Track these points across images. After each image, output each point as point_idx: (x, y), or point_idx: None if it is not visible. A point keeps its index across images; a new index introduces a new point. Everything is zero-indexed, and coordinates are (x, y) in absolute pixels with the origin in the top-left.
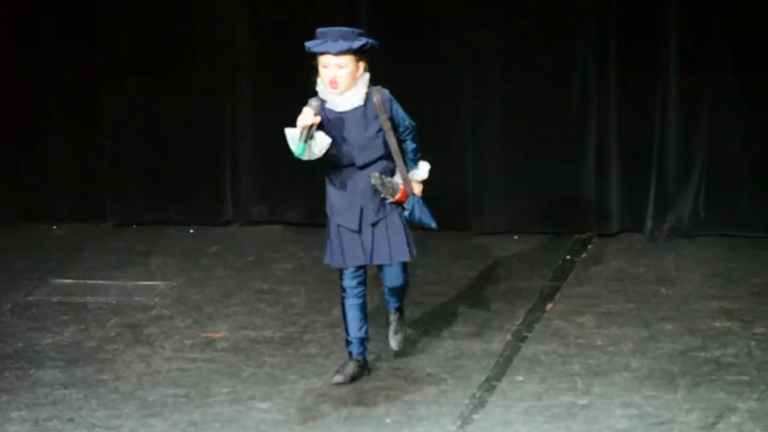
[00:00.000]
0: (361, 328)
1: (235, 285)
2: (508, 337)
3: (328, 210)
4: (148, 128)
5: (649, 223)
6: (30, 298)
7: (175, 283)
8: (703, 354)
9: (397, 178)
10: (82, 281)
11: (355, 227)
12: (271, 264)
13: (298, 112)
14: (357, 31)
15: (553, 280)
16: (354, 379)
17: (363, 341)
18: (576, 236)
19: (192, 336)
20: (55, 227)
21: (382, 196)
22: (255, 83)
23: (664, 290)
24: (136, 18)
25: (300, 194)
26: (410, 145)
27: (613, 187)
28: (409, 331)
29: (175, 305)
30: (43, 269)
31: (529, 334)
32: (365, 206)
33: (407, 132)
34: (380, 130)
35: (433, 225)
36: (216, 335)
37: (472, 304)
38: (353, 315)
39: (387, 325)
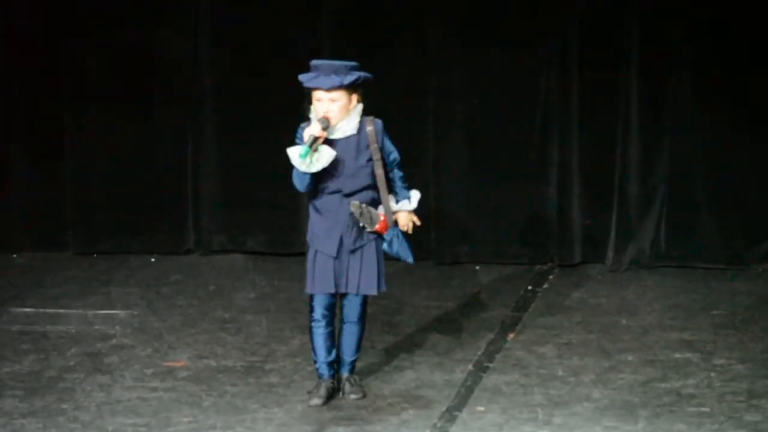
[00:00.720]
0: (330, 353)
1: (197, 314)
2: (470, 367)
3: (308, 238)
4: (110, 158)
5: (610, 254)
6: None
7: (135, 312)
8: (663, 385)
9: (380, 209)
10: (42, 310)
11: (333, 253)
12: (232, 293)
13: (260, 141)
14: (350, 64)
15: (514, 311)
16: (329, 398)
17: (332, 363)
18: (537, 267)
19: (153, 365)
20: (15, 255)
21: (361, 225)
22: (217, 113)
23: (624, 321)
24: (98, 50)
25: (261, 223)
26: (398, 173)
27: (575, 218)
28: (360, 379)
29: (135, 334)
30: (3, 297)
31: (491, 365)
32: (345, 234)
33: (394, 163)
34: (370, 159)
35: (410, 260)
36: (177, 364)
37: (434, 334)
38: (321, 342)
39: (340, 384)
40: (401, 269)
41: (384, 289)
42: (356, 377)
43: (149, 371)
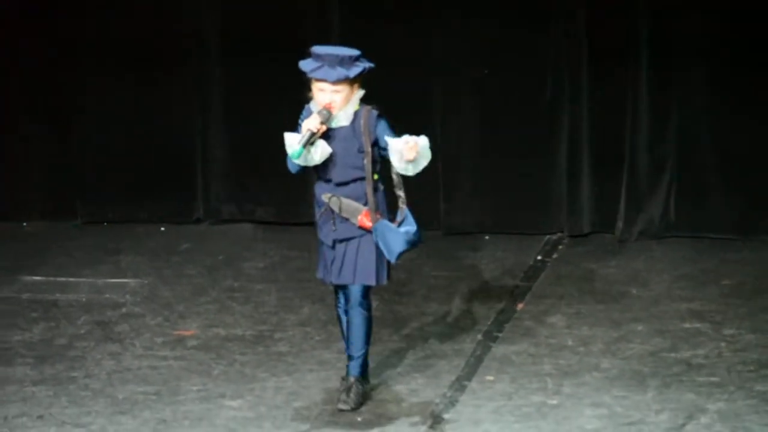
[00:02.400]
0: None
1: (206, 283)
2: (479, 337)
3: (316, 225)
4: (120, 126)
5: (619, 225)
6: (0, 295)
7: (145, 281)
8: (672, 355)
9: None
10: (52, 278)
11: (329, 242)
12: (241, 262)
13: (269, 110)
14: (354, 54)
15: (524, 281)
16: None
17: None
18: (547, 237)
19: (162, 334)
20: (25, 224)
21: (343, 216)
22: (226, 81)
23: (634, 291)
24: (107, 17)
25: (271, 192)
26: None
27: (585, 188)
28: (365, 388)
29: (145, 303)
30: (14, 266)
31: (500, 334)
32: (340, 221)
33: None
34: (361, 150)
35: (390, 258)
36: (186, 333)
37: (443, 304)
38: (345, 329)
39: (343, 387)
40: None
41: (384, 282)
42: (360, 384)
43: (159, 340)
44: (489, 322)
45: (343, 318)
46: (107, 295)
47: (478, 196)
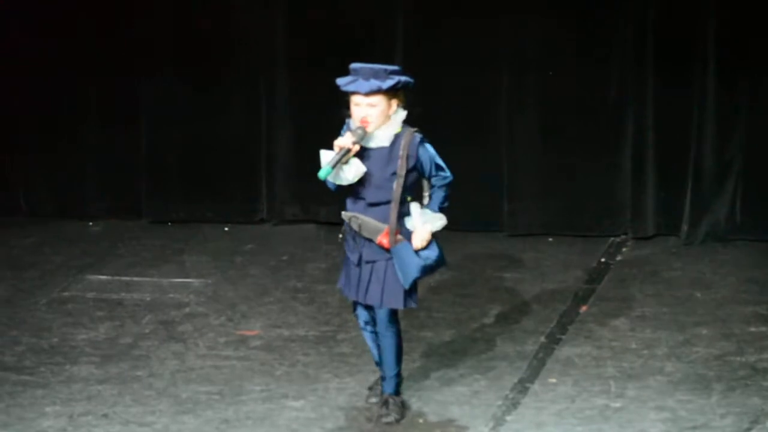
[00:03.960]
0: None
1: (270, 283)
2: (542, 339)
3: (342, 239)
4: (185, 126)
5: (684, 227)
6: (66, 293)
7: (209, 281)
8: (738, 359)
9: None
10: (117, 278)
11: (356, 261)
12: (305, 263)
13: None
14: (390, 68)
15: (587, 283)
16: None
17: None
18: (611, 239)
19: (226, 334)
20: (91, 224)
21: (363, 235)
22: (291, 82)
23: (699, 294)
24: (174, 16)
25: (334, 193)
26: (437, 192)
27: (649, 189)
28: (400, 401)
29: (209, 303)
30: (79, 265)
31: (563, 337)
32: (363, 243)
33: (437, 179)
34: (394, 173)
35: (405, 285)
36: (250, 333)
37: (505, 306)
38: (370, 343)
39: (380, 401)
40: (473, 240)
41: (412, 305)
42: (396, 399)
43: (222, 340)
44: (552, 325)
45: (369, 333)
46: (171, 295)
47: (542, 198)
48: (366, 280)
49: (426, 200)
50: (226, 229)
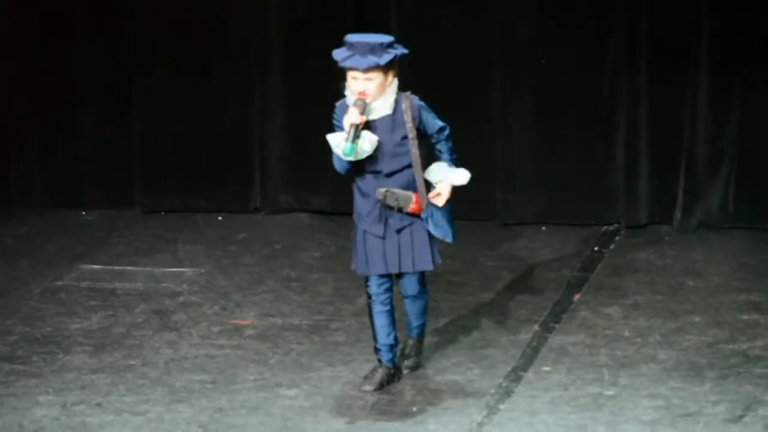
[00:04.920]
0: (389, 335)
1: (263, 272)
2: (535, 327)
3: (355, 217)
4: (179, 115)
5: (677, 215)
6: (59, 283)
7: (203, 270)
8: (730, 346)
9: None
10: (110, 267)
11: (381, 233)
12: (298, 252)
13: (327, 100)
14: (386, 41)
15: (580, 271)
16: (383, 386)
17: (392, 347)
18: (604, 227)
19: (219, 323)
20: (84, 213)
21: (395, 208)
22: (285, 71)
23: (691, 282)
24: (169, 5)
25: (328, 182)
26: (444, 146)
27: (642, 178)
28: (423, 348)
29: (202, 292)
30: (73, 255)
31: (557, 325)
32: (390, 214)
33: (439, 135)
34: (406, 137)
35: (448, 239)
36: (243, 322)
37: (499, 294)
38: (381, 322)
39: (404, 348)
40: (466, 230)
41: (438, 262)
42: (420, 344)
43: (216, 329)
44: (545, 313)
45: (382, 308)
46: (165, 284)
47: (535, 187)
48: (395, 249)
49: (438, 154)
50: (220, 218)
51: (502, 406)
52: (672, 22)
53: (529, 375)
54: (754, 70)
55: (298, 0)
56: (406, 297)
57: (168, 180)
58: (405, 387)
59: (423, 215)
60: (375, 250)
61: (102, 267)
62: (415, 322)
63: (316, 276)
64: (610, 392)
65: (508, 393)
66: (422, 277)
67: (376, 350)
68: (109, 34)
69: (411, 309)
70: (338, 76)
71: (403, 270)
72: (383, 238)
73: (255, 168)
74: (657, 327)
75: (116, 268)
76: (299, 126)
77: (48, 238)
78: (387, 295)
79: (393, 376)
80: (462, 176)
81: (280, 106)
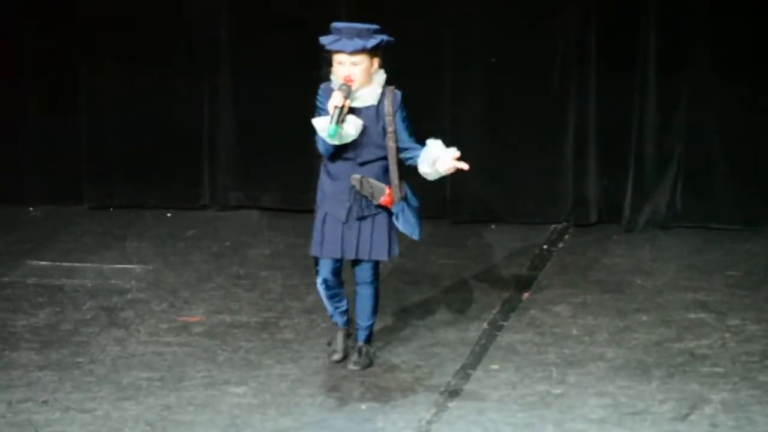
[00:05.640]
0: (340, 303)
1: (212, 269)
2: (484, 325)
3: (318, 199)
4: (126, 111)
5: (626, 214)
6: (5, 279)
7: (151, 267)
8: (677, 345)
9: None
10: (57, 263)
11: (342, 218)
12: (247, 249)
13: (276, 96)
14: (372, 27)
15: (530, 270)
16: (346, 350)
17: (345, 312)
18: (553, 226)
19: (168, 320)
20: (31, 209)
21: (366, 196)
22: (234, 67)
23: (639, 281)
24: (115, 1)
25: (277, 179)
26: (413, 146)
27: (591, 177)
28: (372, 351)
29: (151, 289)
30: (19, 251)
31: (505, 323)
32: (355, 200)
33: (404, 153)
34: (385, 130)
35: (415, 236)
36: (191, 319)
37: (448, 293)
38: (329, 298)
39: (353, 348)
40: None
41: (395, 253)
42: (368, 347)
43: (164, 326)
44: (494, 311)
45: (331, 290)
46: (113, 281)
47: (484, 185)
48: (355, 236)
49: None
50: (169, 214)
51: (450, 404)
52: (620, 21)
53: (478, 373)
54: (701, 70)
55: None
56: (358, 285)
57: (116, 176)
58: (353, 384)
59: (394, 210)
60: (333, 233)
61: (49, 263)
62: (363, 322)
63: (265, 273)
64: (558, 390)
65: (456, 391)
66: (376, 265)
67: (331, 317)
68: (56, 28)
69: (360, 302)
70: (321, 63)
71: (359, 257)
72: (344, 222)
73: (204, 164)
74: (605, 325)
75: (64, 264)
76: (249, 122)
77: None
78: (336, 280)
79: (350, 335)
80: (443, 150)
81: (229, 100)
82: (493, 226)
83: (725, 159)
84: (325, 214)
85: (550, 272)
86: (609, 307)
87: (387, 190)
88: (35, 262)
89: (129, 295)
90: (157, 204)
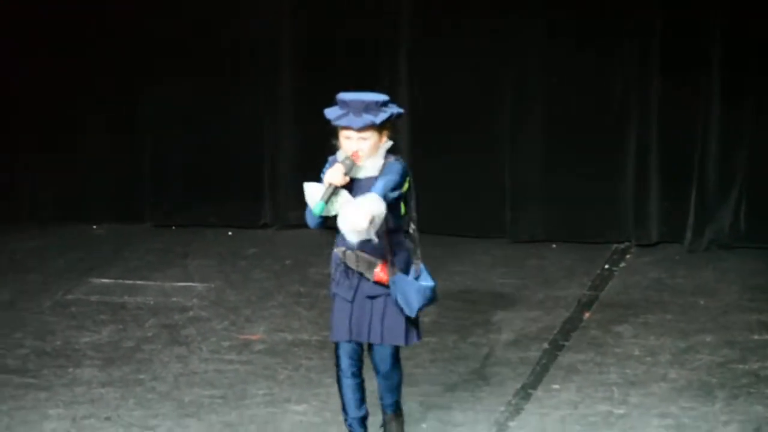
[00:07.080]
0: (360, 407)
1: (273, 288)
2: (545, 345)
3: (331, 284)
4: (189, 130)
5: (688, 234)
6: (69, 296)
7: (212, 285)
8: (741, 366)
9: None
10: (121, 281)
11: (349, 298)
12: (308, 267)
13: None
14: (381, 100)
15: (591, 290)
16: None
17: (363, 420)
18: (615, 246)
19: (229, 338)
20: (95, 227)
21: (359, 270)
22: (296, 86)
23: (702, 302)
24: (178, 19)
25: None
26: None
27: (653, 197)
28: (402, 420)
29: (212, 307)
30: (83, 268)
31: (566, 343)
32: (362, 278)
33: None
34: None
35: (407, 312)
36: (253, 337)
37: (509, 312)
38: (350, 396)
39: (383, 422)
40: (475, 246)
41: (416, 340)
42: (398, 419)
43: (225, 344)
44: (555, 331)
45: (351, 381)
46: (175, 299)
47: (545, 205)
48: (365, 316)
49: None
50: (230, 233)
51: (511, 424)
52: (684, 43)
53: (539, 392)
54: (765, 94)
55: (308, 13)
56: (377, 374)
57: (178, 195)
58: (414, 403)
59: (390, 289)
60: (341, 313)
61: (112, 281)
62: (387, 400)
63: (326, 292)
64: (620, 411)
65: (517, 410)
66: (395, 352)
67: (347, 424)
68: (119, 48)
69: (382, 385)
70: (330, 133)
71: (371, 341)
72: (351, 302)
73: (265, 183)
74: (667, 346)
75: (126, 282)
76: (309, 141)
77: (59, 252)
78: (356, 367)
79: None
80: (375, 203)
81: (291, 121)
82: (553, 246)
83: None
84: (335, 296)
85: (612, 292)
86: (671, 327)
87: (379, 266)
88: (98, 280)
89: (191, 313)
90: (218, 222)
